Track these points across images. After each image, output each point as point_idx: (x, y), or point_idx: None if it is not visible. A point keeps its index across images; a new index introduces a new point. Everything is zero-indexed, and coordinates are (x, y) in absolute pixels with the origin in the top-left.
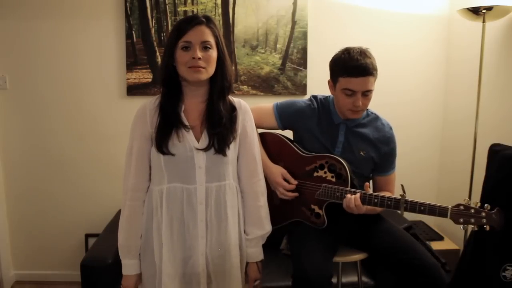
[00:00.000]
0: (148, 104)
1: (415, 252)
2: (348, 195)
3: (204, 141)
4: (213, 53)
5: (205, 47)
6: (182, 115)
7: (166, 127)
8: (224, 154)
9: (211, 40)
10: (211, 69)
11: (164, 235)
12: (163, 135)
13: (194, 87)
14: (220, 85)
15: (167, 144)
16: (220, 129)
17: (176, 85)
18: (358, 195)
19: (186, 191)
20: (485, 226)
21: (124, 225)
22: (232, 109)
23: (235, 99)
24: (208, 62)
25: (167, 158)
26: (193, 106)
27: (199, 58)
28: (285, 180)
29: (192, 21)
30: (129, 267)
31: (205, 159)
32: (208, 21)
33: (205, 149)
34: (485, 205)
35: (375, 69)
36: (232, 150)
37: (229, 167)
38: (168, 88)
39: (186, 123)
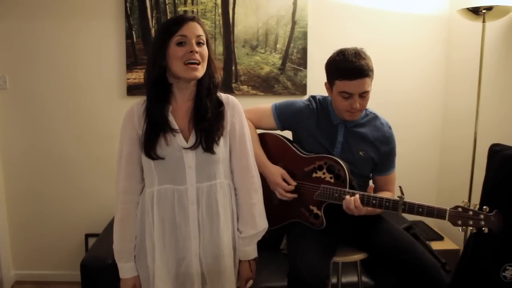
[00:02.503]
0: (135, 107)
1: (415, 252)
2: (347, 197)
3: (192, 139)
4: (206, 48)
5: (199, 42)
6: (170, 117)
7: (154, 132)
8: (213, 152)
9: (203, 35)
10: (205, 65)
11: (156, 237)
12: (151, 140)
13: (184, 85)
14: (207, 84)
15: (155, 149)
16: (205, 124)
17: (164, 86)
18: (357, 196)
19: (177, 192)
20: (483, 229)
21: (118, 229)
22: (219, 104)
23: (223, 95)
24: (203, 58)
25: (157, 161)
26: (180, 105)
27: (196, 52)
28: (285, 181)
29: (184, 18)
30: (125, 270)
31: (195, 159)
32: (197, 18)
33: (193, 147)
34: (484, 207)
35: (371, 70)
36: (222, 148)
37: (220, 166)
38: (156, 89)
39: (175, 126)
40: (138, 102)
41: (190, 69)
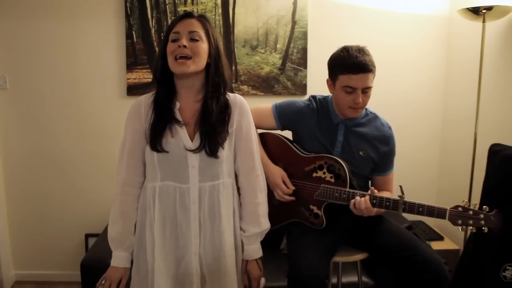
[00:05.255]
0: (143, 99)
1: (416, 249)
2: (357, 197)
3: (197, 141)
4: (202, 45)
5: (193, 38)
6: (176, 111)
7: (160, 123)
8: (216, 157)
9: (200, 31)
10: (200, 61)
11: (157, 234)
12: (157, 132)
13: (187, 82)
14: (213, 82)
15: (160, 141)
16: (208, 127)
17: (170, 82)
18: (367, 197)
19: (179, 190)
20: (483, 228)
21: (115, 218)
22: (226, 107)
23: (231, 95)
24: (196, 52)
25: (160, 155)
26: (188, 105)
27: (185, 46)
28: (284, 183)
29: (181, 15)
30: (119, 259)
31: (198, 159)
32: (199, 16)
33: (196, 151)
34: (484, 206)
35: (374, 66)
36: (226, 149)
37: (223, 166)
38: (162, 85)
39: (180, 118)
40: (146, 95)
41: (178, 64)
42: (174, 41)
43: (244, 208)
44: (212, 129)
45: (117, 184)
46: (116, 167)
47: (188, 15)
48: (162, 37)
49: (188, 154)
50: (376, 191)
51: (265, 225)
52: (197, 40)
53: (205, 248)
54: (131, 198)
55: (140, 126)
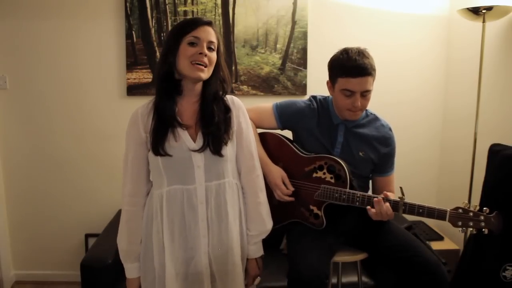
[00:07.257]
0: (140, 109)
1: (416, 250)
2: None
3: (199, 141)
4: (215, 55)
5: (209, 47)
6: (177, 115)
7: (162, 128)
8: (221, 155)
9: (215, 42)
10: (211, 70)
11: (165, 238)
12: (159, 136)
13: (191, 85)
14: (214, 89)
15: (163, 145)
16: (213, 128)
17: (171, 83)
18: (388, 203)
19: (186, 192)
20: (483, 230)
21: (124, 231)
22: (227, 110)
23: (228, 97)
24: (211, 62)
25: (165, 160)
26: (186, 106)
27: (205, 55)
28: (284, 184)
29: (200, 20)
30: (131, 270)
31: (203, 158)
32: (213, 24)
33: (200, 150)
34: (484, 208)
35: (374, 69)
36: (229, 148)
37: (228, 165)
38: (165, 84)
39: (181, 122)
40: (143, 104)
41: (195, 69)
42: (192, 44)
43: (247, 208)
44: (216, 129)
45: (123, 196)
46: (121, 179)
47: (207, 22)
48: (169, 36)
49: (192, 155)
50: (390, 194)
51: (269, 224)
52: (212, 50)
53: (214, 247)
54: (138, 208)
55: (140, 137)
